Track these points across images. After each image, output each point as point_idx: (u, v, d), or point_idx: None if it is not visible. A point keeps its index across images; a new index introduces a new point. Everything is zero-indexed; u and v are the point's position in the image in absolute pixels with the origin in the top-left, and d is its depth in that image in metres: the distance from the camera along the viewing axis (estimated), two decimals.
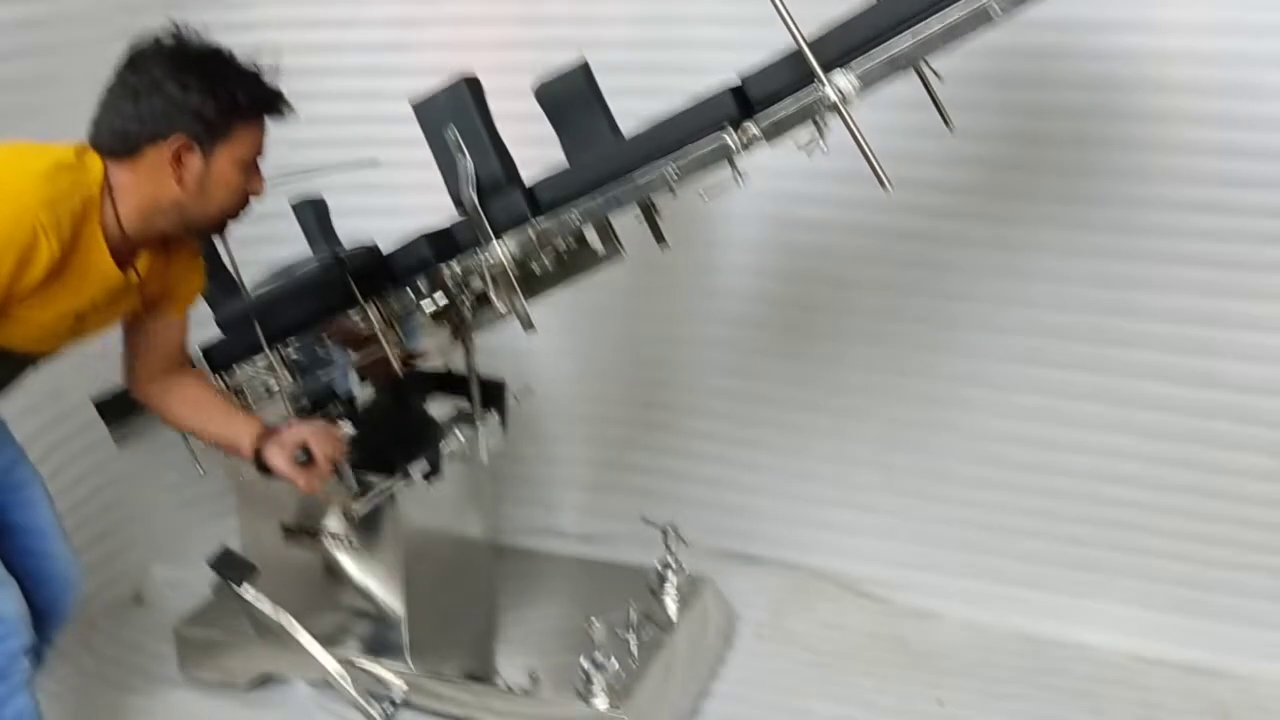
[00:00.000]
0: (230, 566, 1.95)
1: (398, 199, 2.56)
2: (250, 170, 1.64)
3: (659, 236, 2.07)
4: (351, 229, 2.23)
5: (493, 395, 2.19)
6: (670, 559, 2.30)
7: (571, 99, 1.85)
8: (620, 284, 2.48)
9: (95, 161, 1.54)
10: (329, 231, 2.16)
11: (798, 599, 2.49)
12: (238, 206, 1.66)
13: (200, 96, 1.54)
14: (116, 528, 2.55)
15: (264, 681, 2.20)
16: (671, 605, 2.25)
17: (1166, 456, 2.21)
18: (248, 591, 1.95)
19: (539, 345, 2.50)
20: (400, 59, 2.52)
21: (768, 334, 2.51)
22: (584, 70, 1.87)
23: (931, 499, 2.45)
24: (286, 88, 2.55)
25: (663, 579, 2.29)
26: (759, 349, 2.53)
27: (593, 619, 1.94)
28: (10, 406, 2.24)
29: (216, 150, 1.58)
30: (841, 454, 2.52)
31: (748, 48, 2.26)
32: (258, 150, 1.65)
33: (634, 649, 2.07)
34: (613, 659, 1.96)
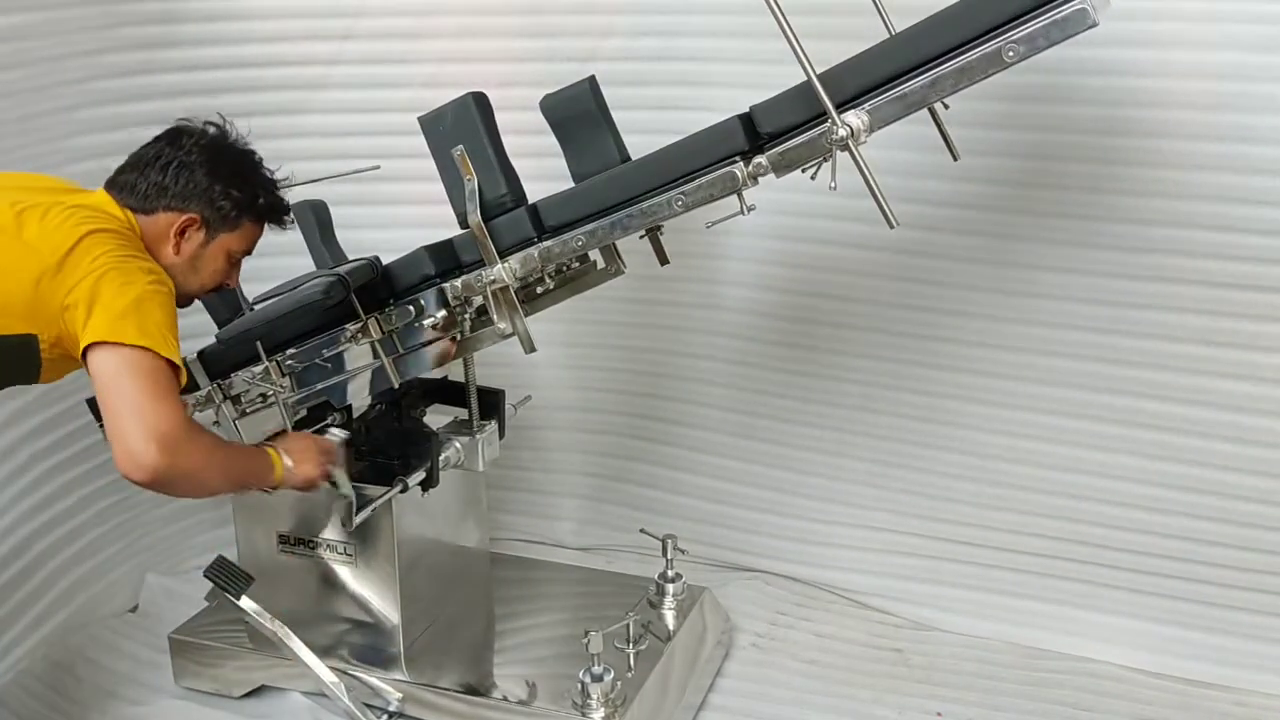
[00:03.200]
0: (226, 576, 1.94)
1: (397, 210, 2.57)
2: (235, 263, 1.86)
3: (661, 256, 2.08)
4: (351, 241, 2.23)
5: (491, 405, 2.19)
6: (668, 570, 2.29)
7: (577, 114, 1.86)
8: (619, 295, 2.49)
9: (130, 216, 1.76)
10: (329, 234, 2.16)
11: (795, 610, 2.49)
12: (211, 289, 1.87)
13: (224, 188, 1.77)
14: (112, 537, 2.54)
15: (259, 691, 2.18)
16: (669, 616, 2.24)
17: (1163, 476, 2.20)
18: (244, 601, 1.95)
19: (538, 355, 2.49)
20: (400, 71, 2.53)
21: (767, 347, 2.51)
22: (591, 86, 1.87)
23: (929, 512, 2.45)
24: (284, 99, 2.59)
25: (661, 590, 2.28)
26: (758, 362, 2.53)
27: (590, 630, 1.94)
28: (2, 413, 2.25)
29: (219, 237, 1.80)
30: (840, 467, 2.51)
31: (749, 60, 2.29)
32: (249, 249, 1.86)
33: (631, 660, 2.07)
34: (610, 670, 1.95)
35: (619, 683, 1.97)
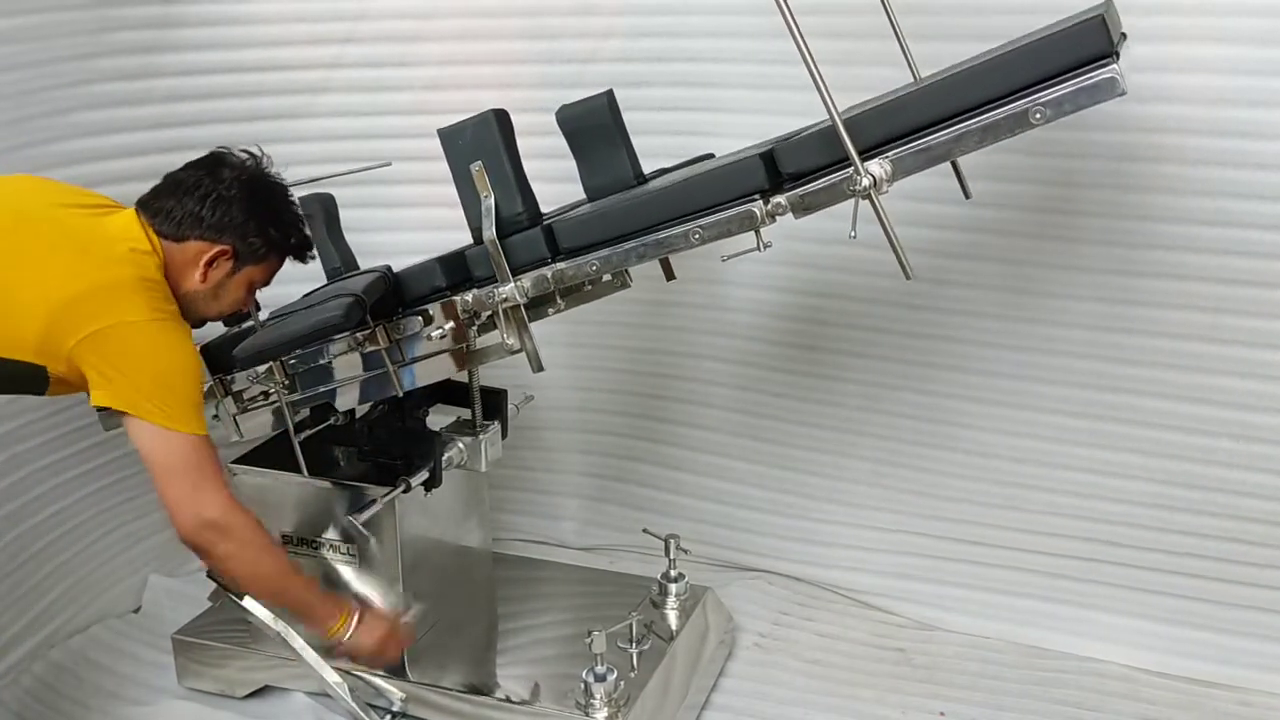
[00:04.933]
0: None
1: (401, 213, 2.57)
2: (253, 292, 1.91)
3: (668, 271, 2.10)
4: (355, 243, 2.23)
5: (494, 404, 2.19)
6: (671, 569, 2.29)
7: (593, 127, 1.86)
8: (623, 295, 2.48)
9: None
10: (336, 228, 2.16)
11: (798, 610, 2.49)
12: (227, 315, 1.93)
13: (259, 225, 1.81)
14: (115, 537, 2.55)
15: (262, 692, 2.19)
16: (672, 616, 2.24)
17: (1168, 474, 2.19)
18: (247, 601, 1.95)
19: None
20: (402, 74, 2.53)
21: (769, 346, 2.51)
22: (608, 100, 1.88)
23: (932, 512, 2.44)
24: (286, 103, 2.59)
25: (664, 589, 2.28)
26: (760, 362, 2.53)
27: (593, 630, 1.94)
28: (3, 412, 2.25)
29: (245, 268, 1.84)
30: (842, 467, 2.51)
31: (751, 60, 2.29)
32: (269, 280, 1.92)
33: (634, 660, 2.07)
34: (613, 670, 1.95)
35: (622, 682, 1.97)
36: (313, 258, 1.99)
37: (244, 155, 1.86)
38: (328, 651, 1.97)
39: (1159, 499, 2.22)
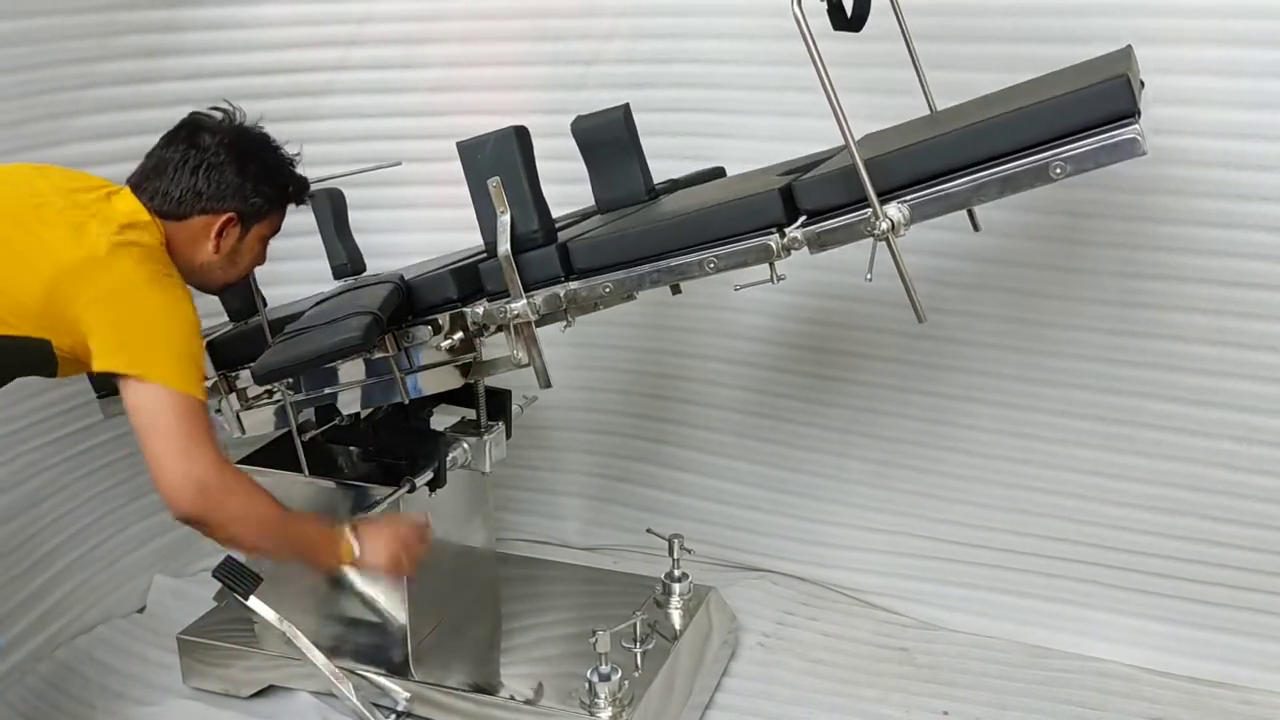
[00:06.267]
0: (234, 576, 1.94)
1: (406, 214, 2.58)
2: (266, 244, 1.89)
3: (674, 287, 2.09)
4: (360, 244, 2.24)
5: (498, 404, 2.20)
6: (675, 569, 2.30)
7: (608, 141, 1.86)
8: None
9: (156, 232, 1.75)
10: (343, 224, 2.17)
11: (801, 610, 2.49)
12: (247, 274, 1.92)
13: (255, 183, 1.79)
14: (120, 538, 2.55)
15: (267, 691, 2.19)
16: (676, 616, 2.24)
17: (1170, 475, 2.19)
18: (252, 601, 1.95)
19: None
20: (407, 76, 2.54)
21: (773, 347, 2.51)
22: (624, 114, 1.87)
23: (935, 512, 2.45)
24: (291, 105, 2.60)
25: (667, 589, 2.29)
26: (764, 362, 2.53)
27: (597, 629, 1.94)
28: (6, 415, 2.26)
29: (253, 228, 1.82)
30: (846, 468, 2.51)
31: (754, 62, 2.30)
32: (279, 228, 1.89)
33: (638, 659, 2.07)
34: (617, 669, 1.96)
35: (626, 682, 1.98)
36: (312, 197, 1.96)
37: (219, 115, 1.82)
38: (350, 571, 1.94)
39: (1162, 500, 2.22)
